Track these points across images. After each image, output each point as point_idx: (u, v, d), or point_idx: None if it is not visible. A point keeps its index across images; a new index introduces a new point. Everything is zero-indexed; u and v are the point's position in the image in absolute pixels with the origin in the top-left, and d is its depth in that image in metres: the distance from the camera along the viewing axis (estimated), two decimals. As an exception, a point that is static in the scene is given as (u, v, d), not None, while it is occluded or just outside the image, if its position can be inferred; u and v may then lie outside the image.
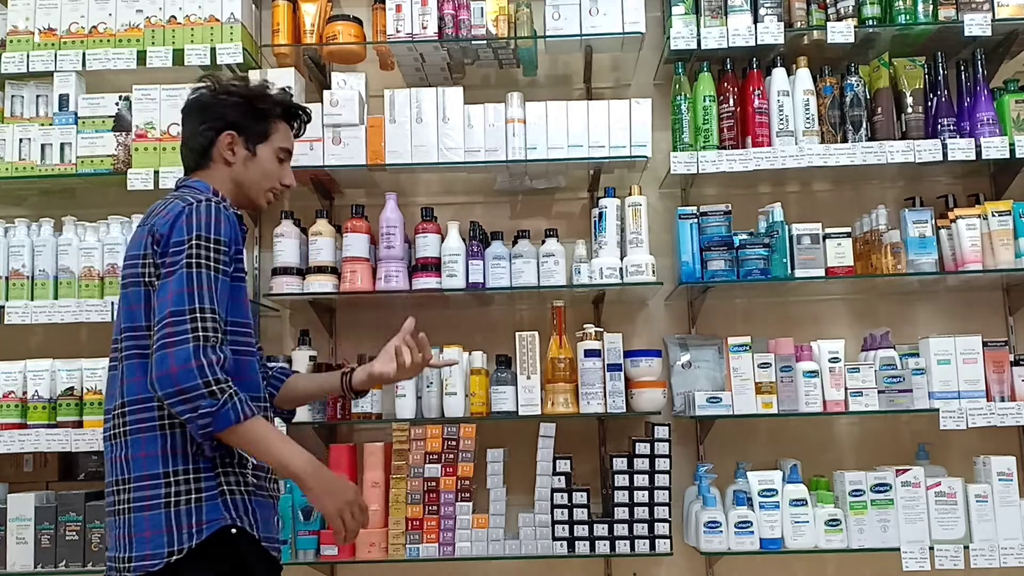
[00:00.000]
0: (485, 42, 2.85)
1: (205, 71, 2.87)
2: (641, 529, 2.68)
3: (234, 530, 1.74)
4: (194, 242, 1.70)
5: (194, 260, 1.69)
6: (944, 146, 2.74)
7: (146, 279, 1.76)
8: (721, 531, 2.63)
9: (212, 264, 1.71)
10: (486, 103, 2.82)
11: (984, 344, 2.70)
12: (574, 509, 2.69)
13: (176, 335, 1.64)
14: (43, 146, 2.84)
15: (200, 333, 1.65)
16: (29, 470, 2.91)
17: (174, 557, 1.69)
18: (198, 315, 1.66)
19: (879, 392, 2.68)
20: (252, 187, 1.97)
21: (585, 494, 2.70)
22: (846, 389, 2.69)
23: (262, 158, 1.96)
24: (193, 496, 1.72)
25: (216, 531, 1.72)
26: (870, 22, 2.79)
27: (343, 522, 1.75)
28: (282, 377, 2.12)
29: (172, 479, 1.72)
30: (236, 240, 1.80)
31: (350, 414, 2.77)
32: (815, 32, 2.81)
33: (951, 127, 2.79)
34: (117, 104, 2.84)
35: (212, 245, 1.72)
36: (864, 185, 3.07)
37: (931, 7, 2.79)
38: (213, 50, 2.81)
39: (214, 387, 1.63)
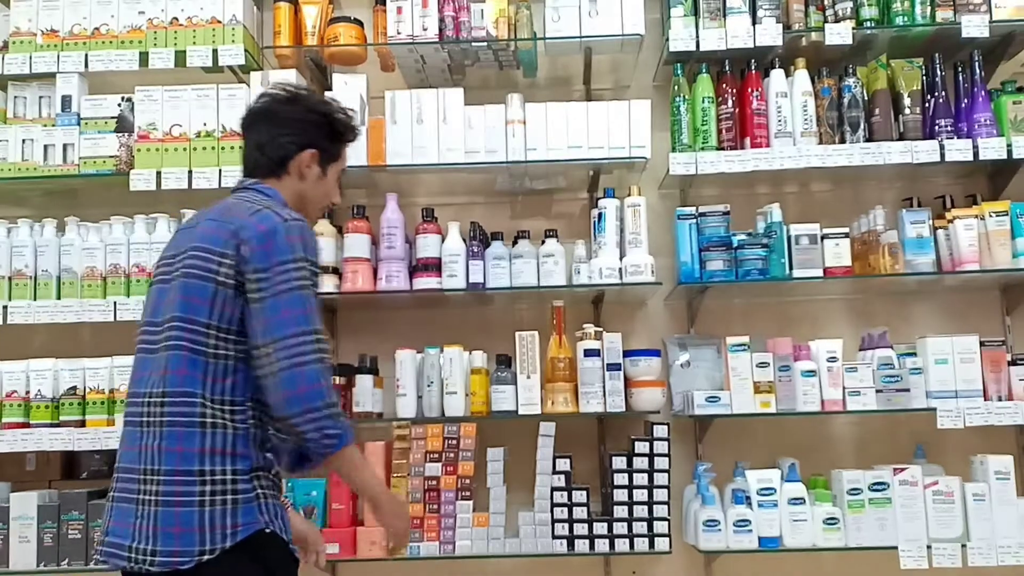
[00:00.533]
0: (485, 44, 2.86)
1: (207, 72, 2.89)
2: (640, 528, 2.69)
3: (268, 531, 1.73)
4: (302, 264, 1.75)
5: (307, 283, 1.75)
6: (942, 147, 2.76)
7: (220, 278, 1.74)
8: (720, 530, 2.64)
9: (314, 287, 1.77)
10: (486, 104, 2.83)
11: (981, 344, 2.71)
12: (574, 508, 2.70)
13: (304, 354, 1.69)
14: (46, 147, 2.85)
15: (321, 355, 1.72)
16: (32, 469, 2.92)
17: (205, 557, 1.67)
18: (316, 337, 1.72)
19: (877, 391, 2.69)
20: (314, 204, 1.99)
21: (585, 493, 2.71)
22: (844, 388, 2.70)
23: (329, 178, 2.00)
24: (229, 497, 1.71)
25: (251, 534, 1.71)
26: (868, 24, 2.80)
27: (401, 539, 1.96)
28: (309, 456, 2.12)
29: (208, 478, 1.70)
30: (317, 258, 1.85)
31: (351, 413, 2.78)
32: (813, 34, 2.82)
33: (949, 128, 2.80)
34: (119, 105, 2.85)
35: (312, 268, 1.77)
36: (862, 186, 3.09)
37: (929, 9, 2.80)
38: (215, 51, 2.83)
39: (336, 409, 1.73)
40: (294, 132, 1.94)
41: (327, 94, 2.81)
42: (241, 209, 1.81)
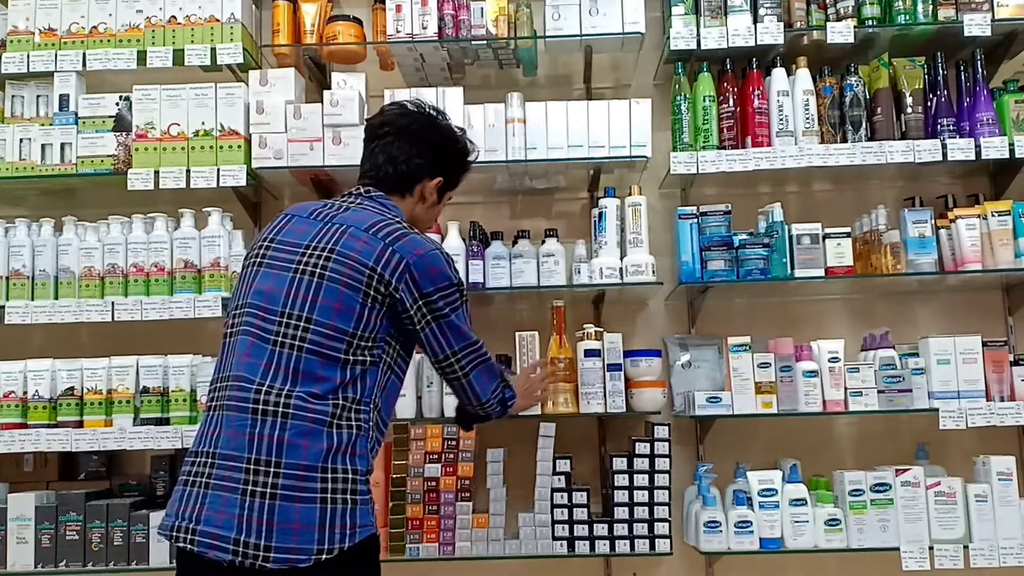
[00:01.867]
0: (485, 42, 2.85)
1: (205, 71, 2.88)
2: (641, 529, 2.68)
3: (378, 535, 1.77)
4: (460, 286, 1.90)
5: (465, 300, 1.92)
6: (944, 146, 2.75)
7: (371, 292, 1.78)
8: (721, 531, 2.63)
9: (467, 303, 1.95)
10: (486, 103, 2.82)
11: (984, 344, 2.70)
12: (574, 509, 2.69)
13: (480, 357, 1.95)
14: (43, 146, 2.84)
15: (488, 353, 1.98)
16: (29, 470, 2.92)
17: (323, 556, 1.66)
18: (481, 342, 1.96)
19: (879, 392, 2.68)
20: (421, 226, 2.02)
21: (585, 494, 2.70)
22: (846, 389, 2.69)
23: (440, 205, 2.08)
24: (350, 497, 1.71)
25: (368, 536, 1.72)
26: (870, 22, 2.79)
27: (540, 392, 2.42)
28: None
29: (331, 475, 1.69)
30: None
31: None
32: (815, 32, 2.81)
33: (951, 127, 2.79)
34: (117, 104, 2.84)
35: (463, 288, 1.93)
36: (864, 185, 3.08)
37: (931, 7, 2.79)
38: (213, 50, 2.81)
39: (505, 381, 2.04)
40: (429, 157, 1.99)
41: (326, 93, 2.81)
42: (388, 226, 1.85)
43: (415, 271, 1.81)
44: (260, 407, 1.72)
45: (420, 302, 1.82)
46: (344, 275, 1.78)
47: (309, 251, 1.81)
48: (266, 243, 1.88)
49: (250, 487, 1.67)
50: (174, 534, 1.71)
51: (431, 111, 2.04)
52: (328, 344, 1.75)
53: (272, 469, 1.67)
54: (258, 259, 1.86)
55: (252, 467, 1.68)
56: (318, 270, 1.79)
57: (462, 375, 1.93)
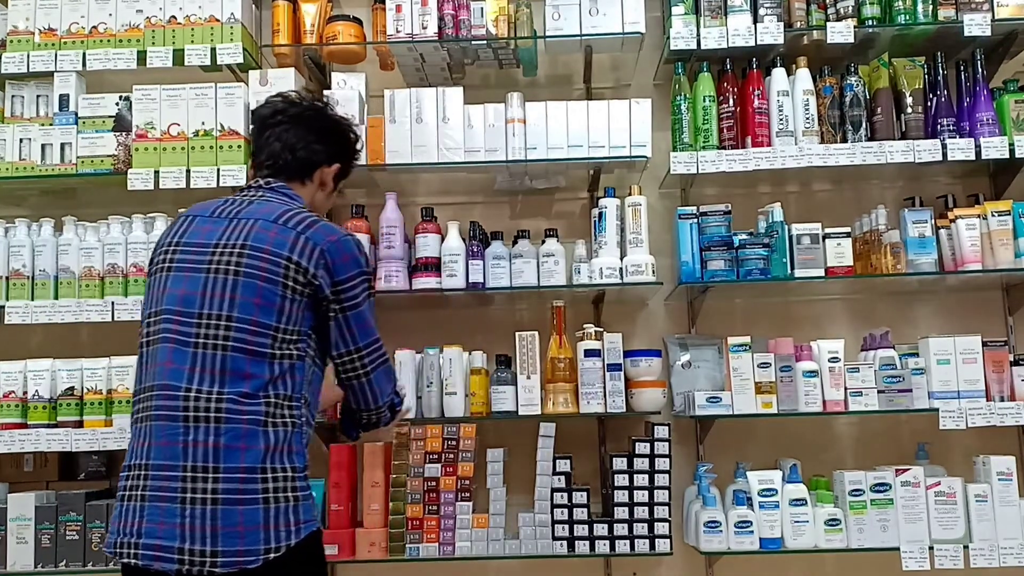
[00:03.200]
0: (485, 42, 2.85)
1: (205, 71, 2.88)
2: (641, 529, 2.68)
3: (320, 529, 1.78)
4: (369, 276, 1.88)
5: (371, 291, 1.90)
6: (944, 146, 2.74)
7: (290, 283, 1.76)
8: (721, 531, 2.63)
9: (374, 295, 1.93)
10: (486, 103, 2.82)
11: (984, 344, 2.70)
12: (574, 509, 2.69)
13: (381, 358, 1.90)
14: (43, 146, 2.84)
15: (388, 353, 1.94)
16: (29, 470, 2.91)
17: (272, 555, 1.66)
18: (382, 341, 1.91)
19: (879, 392, 2.68)
20: (319, 214, 2.00)
21: (585, 494, 2.70)
22: (846, 389, 2.69)
23: (334, 194, 2.09)
24: (291, 495, 1.71)
25: (312, 531, 1.73)
26: (870, 22, 2.79)
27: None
28: None
29: (271, 475, 1.69)
30: None
31: (350, 414, 2.77)
32: (815, 32, 2.81)
33: (951, 127, 2.79)
34: (117, 104, 2.84)
35: (371, 278, 1.92)
36: (864, 185, 3.08)
37: (931, 7, 2.79)
38: (213, 50, 2.81)
39: (399, 387, 2.01)
40: (331, 143, 2.01)
41: (326, 93, 2.81)
42: (297, 215, 1.84)
43: (330, 257, 1.80)
44: (191, 413, 1.70)
45: (333, 289, 1.81)
46: (260, 268, 1.76)
47: (219, 249, 1.79)
48: (171, 247, 1.85)
49: (189, 495, 1.66)
50: (117, 550, 1.72)
51: (318, 101, 2.07)
52: (252, 340, 1.74)
53: (211, 475, 1.67)
54: (166, 264, 1.83)
55: (190, 475, 1.67)
56: (232, 267, 1.77)
57: (363, 373, 1.88)
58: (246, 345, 1.73)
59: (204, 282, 1.77)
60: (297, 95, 2.03)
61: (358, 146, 2.11)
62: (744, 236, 2.79)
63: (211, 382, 1.71)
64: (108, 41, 2.86)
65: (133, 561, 1.69)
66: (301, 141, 1.95)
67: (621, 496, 2.69)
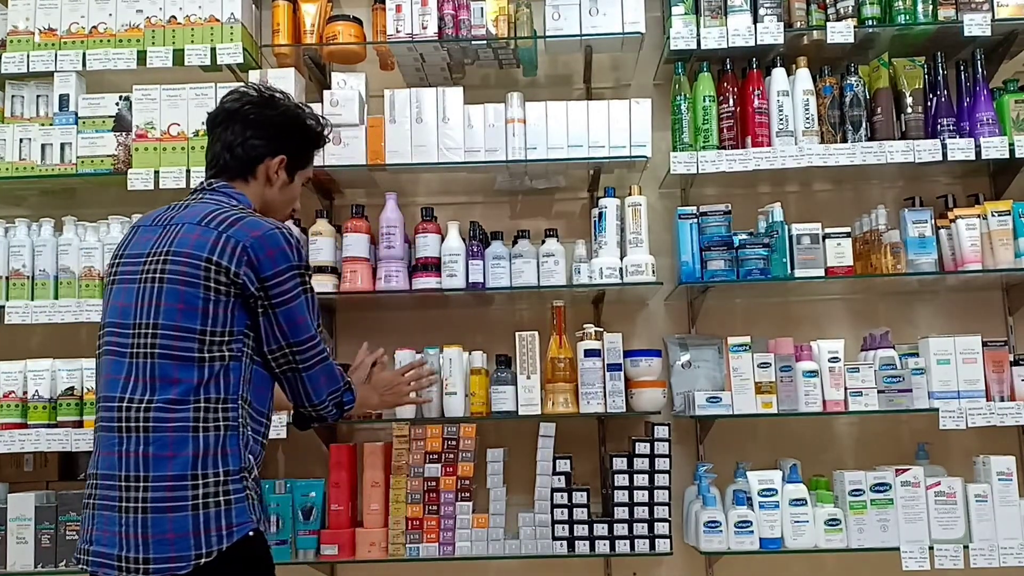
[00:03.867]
0: (485, 42, 2.85)
1: (205, 71, 2.88)
2: (641, 529, 2.68)
3: (253, 532, 1.73)
4: (302, 270, 1.82)
5: (308, 286, 1.83)
6: (944, 146, 2.74)
7: (212, 284, 1.74)
8: (721, 531, 2.63)
9: (311, 288, 1.86)
10: (486, 103, 2.82)
11: (984, 344, 2.70)
12: (574, 509, 2.69)
13: (319, 353, 1.85)
14: (43, 146, 2.84)
15: (328, 350, 1.89)
16: (29, 470, 2.91)
17: (203, 560, 1.66)
18: (321, 335, 1.86)
19: (879, 392, 2.68)
20: (278, 210, 1.99)
21: (585, 494, 2.70)
22: (846, 389, 2.69)
23: (295, 185, 2.01)
24: (223, 499, 1.70)
25: (245, 534, 1.71)
26: (870, 22, 2.79)
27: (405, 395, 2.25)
28: None
29: (201, 481, 1.69)
30: None
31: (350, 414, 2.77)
32: (815, 32, 2.81)
33: (951, 127, 2.79)
34: (117, 104, 2.84)
35: (308, 271, 1.84)
36: (864, 185, 3.08)
37: (931, 7, 2.79)
38: (213, 50, 2.81)
39: (346, 383, 1.93)
40: (266, 136, 1.92)
41: (326, 93, 2.81)
42: (222, 214, 1.80)
43: (252, 253, 1.75)
44: (124, 424, 1.73)
45: (258, 285, 1.76)
46: (181, 273, 1.75)
47: (149, 258, 1.79)
48: (118, 260, 1.86)
49: (124, 503, 1.70)
50: (78, 556, 1.77)
51: (270, 92, 1.97)
52: (177, 345, 1.73)
53: (142, 484, 1.69)
54: (112, 277, 1.85)
55: (124, 484, 1.70)
56: (157, 275, 1.76)
57: (298, 370, 1.83)
58: (172, 351, 1.73)
59: (136, 292, 1.78)
60: (252, 88, 1.97)
61: (313, 134, 2.00)
62: (744, 236, 2.79)
63: (143, 390, 1.73)
64: (108, 41, 2.86)
65: (87, 568, 1.75)
66: (239, 137, 1.90)
67: (621, 496, 2.69)
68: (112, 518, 1.70)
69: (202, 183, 1.94)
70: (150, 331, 1.74)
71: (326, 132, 2.06)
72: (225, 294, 1.74)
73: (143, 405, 1.72)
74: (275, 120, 1.94)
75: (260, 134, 1.92)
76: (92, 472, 1.77)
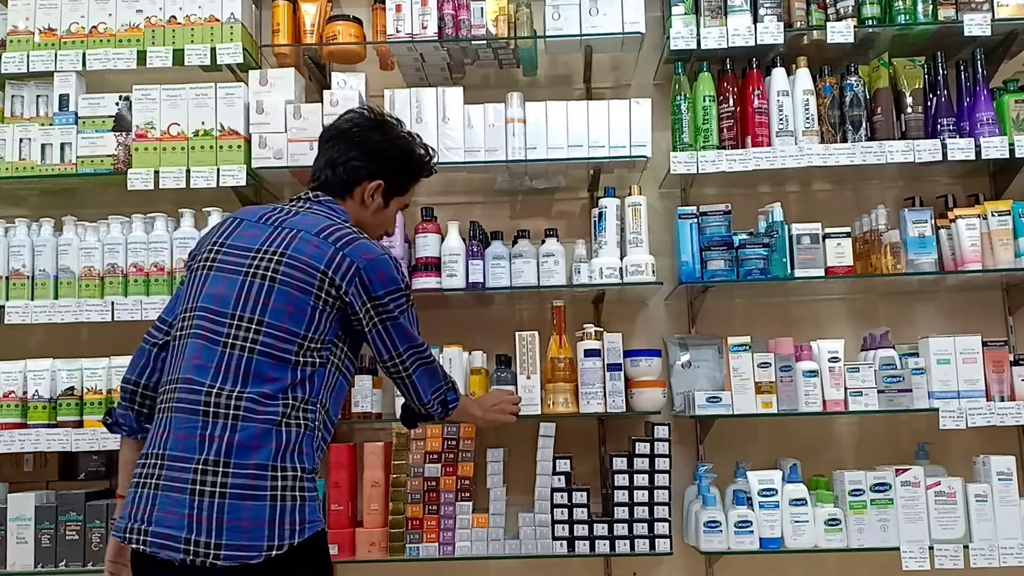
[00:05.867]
0: (485, 42, 2.85)
1: (205, 71, 2.88)
2: (641, 529, 2.68)
3: (321, 531, 1.77)
4: (404, 292, 1.91)
5: (411, 303, 1.93)
6: (944, 146, 2.74)
7: (322, 295, 1.80)
8: (721, 531, 2.63)
9: (414, 306, 1.96)
10: (486, 103, 2.82)
11: (984, 344, 2.70)
12: (574, 509, 2.69)
13: (426, 357, 1.96)
14: (43, 146, 2.84)
15: (433, 356, 1.99)
16: (29, 470, 2.91)
17: (274, 552, 1.68)
18: (427, 344, 1.97)
19: (879, 392, 2.68)
20: (370, 232, 2.01)
21: (585, 494, 2.70)
22: (846, 389, 2.69)
23: (390, 210, 2.07)
24: (298, 494, 1.73)
25: (316, 532, 1.75)
26: (870, 22, 2.79)
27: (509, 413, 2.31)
28: None
29: (280, 474, 1.72)
30: None
31: (350, 414, 2.77)
32: (815, 32, 2.81)
33: (951, 127, 2.79)
34: (117, 104, 2.84)
35: (410, 291, 1.94)
36: (864, 185, 3.08)
37: (931, 7, 2.79)
38: (213, 50, 2.81)
39: (449, 383, 2.03)
40: (369, 160, 1.99)
41: (326, 93, 2.81)
42: (338, 231, 1.86)
43: (365, 275, 1.83)
44: (211, 409, 1.73)
45: (369, 304, 1.84)
46: (296, 279, 1.80)
47: (260, 255, 1.83)
48: (216, 247, 1.88)
49: (199, 487, 1.69)
50: (127, 535, 1.74)
51: (382, 117, 2.05)
52: (279, 346, 1.77)
53: (221, 469, 1.70)
54: (207, 263, 1.87)
55: (201, 467, 1.70)
56: (270, 273, 1.81)
57: (406, 375, 1.95)
58: (273, 351, 1.77)
59: (241, 284, 1.81)
60: (368, 111, 2.06)
61: (415, 163, 2.07)
62: (744, 236, 2.79)
63: (234, 381, 1.75)
64: (108, 41, 2.86)
65: (141, 548, 1.71)
66: (342, 157, 1.98)
67: (621, 496, 2.69)
68: (182, 500, 1.69)
69: (307, 193, 1.99)
70: (254, 326, 1.78)
71: (432, 163, 2.11)
72: (331, 306, 1.82)
73: (234, 394, 1.74)
74: (379, 145, 2.00)
75: (362, 156, 1.98)
76: (157, 452, 1.75)
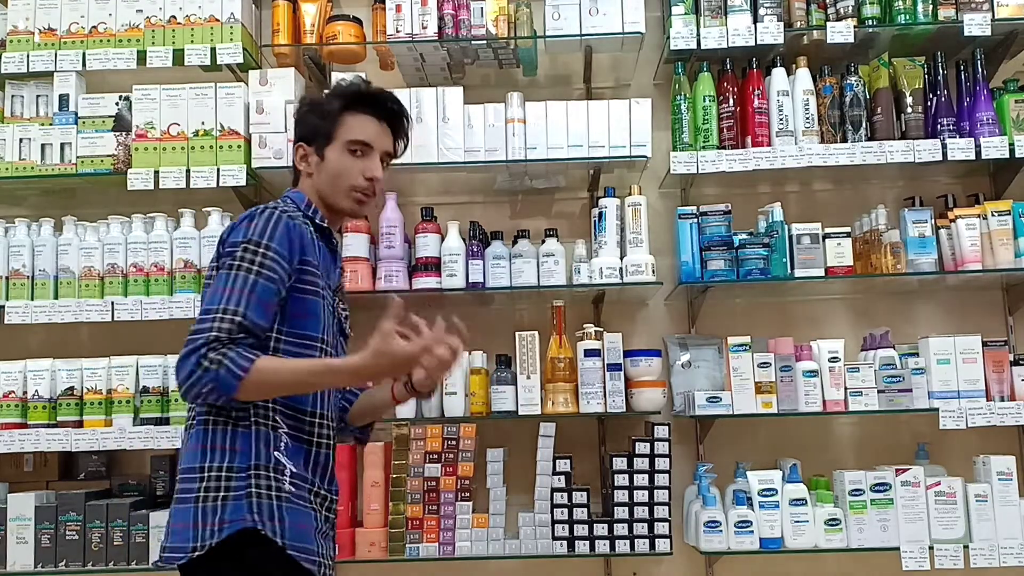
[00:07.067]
0: (485, 42, 2.85)
1: (205, 71, 2.88)
2: (641, 529, 2.68)
3: (258, 531, 1.69)
4: (243, 245, 1.71)
5: (237, 263, 1.70)
6: (944, 146, 2.74)
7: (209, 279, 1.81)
8: (721, 531, 2.63)
9: (256, 269, 1.70)
10: (486, 103, 2.82)
11: (984, 344, 2.70)
12: (574, 509, 2.69)
13: (194, 332, 1.66)
14: (43, 146, 2.84)
15: (213, 333, 1.64)
16: (29, 470, 2.91)
17: (195, 553, 1.68)
18: (219, 315, 1.66)
19: (879, 392, 2.68)
20: (329, 193, 1.90)
21: (585, 494, 2.70)
22: (846, 389, 2.69)
23: (330, 160, 1.90)
24: (221, 494, 1.71)
25: (237, 531, 1.68)
26: (870, 22, 2.79)
27: (421, 366, 1.84)
28: (358, 392, 2.08)
29: (206, 474, 1.72)
30: (298, 251, 1.76)
31: (350, 414, 2.77)
32: (815, 32, 2.81)
33: (951, 127, 2.79)
34: (117, 104, 2.84)
35: (261, 251, 1.71)
36: (864, 185, 3.07)
37: (931, 7, 2.79)
38: (213, 50, 2.81)
39: (204, 362, 1.62)
40: (294, 132, 1.99)
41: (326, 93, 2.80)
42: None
43: (224, 233, 1.80)
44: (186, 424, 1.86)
45: (218, 261, 1.77)
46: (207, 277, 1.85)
47: None
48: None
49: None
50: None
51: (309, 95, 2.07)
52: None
53: (178, 476, 1.79)
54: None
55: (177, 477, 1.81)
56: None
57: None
58: None
59: None
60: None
61: (325, 103, 1.91)
62: (744, 236, 2.79)
63: None
64: (108, 41, 2.86)
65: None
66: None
67: (621, 496, 2.69)
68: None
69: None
70: None
71: (339, 89, 1.93)
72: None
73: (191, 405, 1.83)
74: (295, 116, 2.00)
75: (293, 135, 1.98)
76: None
